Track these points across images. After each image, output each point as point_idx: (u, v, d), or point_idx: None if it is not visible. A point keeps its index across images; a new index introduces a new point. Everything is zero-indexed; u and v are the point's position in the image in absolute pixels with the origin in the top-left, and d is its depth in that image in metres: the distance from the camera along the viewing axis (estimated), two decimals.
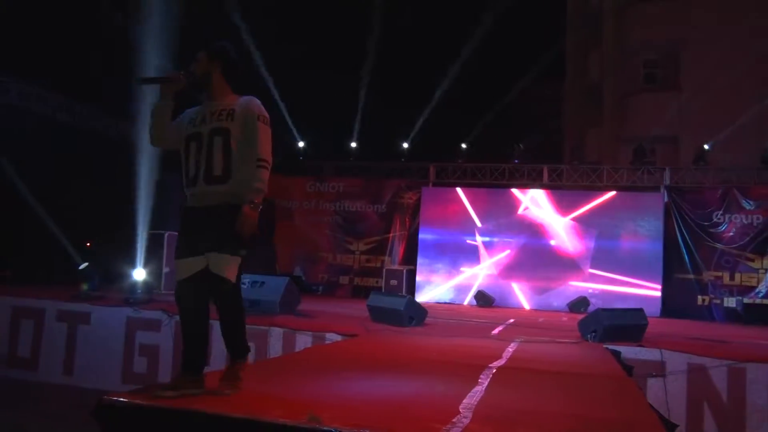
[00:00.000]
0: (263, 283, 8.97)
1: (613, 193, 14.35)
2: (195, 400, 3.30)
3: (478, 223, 14.85)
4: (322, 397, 3.73)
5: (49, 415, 7.25)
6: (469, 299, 14.53)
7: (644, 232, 13.99)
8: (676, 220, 13.98)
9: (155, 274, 11.22)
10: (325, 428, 2.99)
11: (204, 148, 3.63)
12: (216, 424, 3.10)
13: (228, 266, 3.60)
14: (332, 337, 7.51)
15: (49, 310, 9.06)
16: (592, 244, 14.23)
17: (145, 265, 10.22)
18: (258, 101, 3.73)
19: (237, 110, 3.66)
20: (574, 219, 14.36)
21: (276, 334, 7.81)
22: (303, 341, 7.65)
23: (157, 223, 12.14)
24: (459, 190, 15.14)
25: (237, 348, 3.78)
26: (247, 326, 7.92)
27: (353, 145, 16.61)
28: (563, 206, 14.49)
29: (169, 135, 3.77)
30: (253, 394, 3.59)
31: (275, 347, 7.74)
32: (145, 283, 9.56)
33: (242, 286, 9.10)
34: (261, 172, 3.60)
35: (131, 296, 9.06)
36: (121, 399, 3.20)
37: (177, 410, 3.17)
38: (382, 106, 17.49)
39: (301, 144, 16.82)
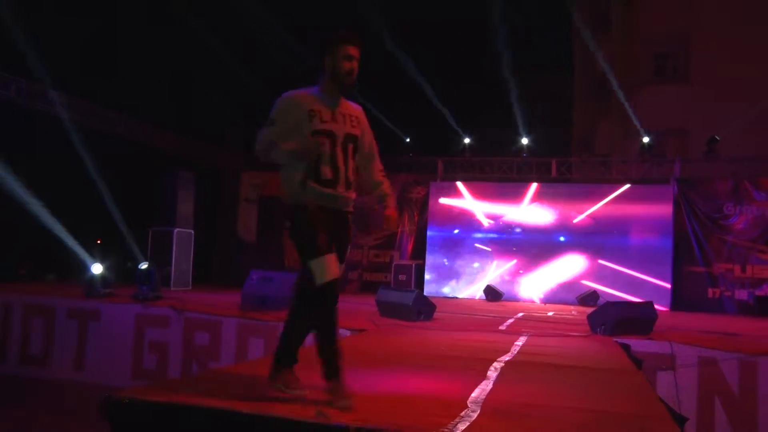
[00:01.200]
0: (272, 279, 9.00)
1: (627, 186, 14.26)
2: (205, 397, 3.30)
3: (486, 217, 14.81)
4: None
5: (60, 411, 7.31)
6: (478, 294, 14.51)
7: (654, 225, 13.92)
8: (687, 213, 13.90)
9: (164, 270, 11.26)
10: (333, 424, 2.99)
11: (340, 150, 3.54)
12: (224, 420, 3.10)
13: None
14: (341, 332, 7.50)
15: (60, 307, 9.13)
16: (601, 236, 14.17)
17: (152, 262, 10.26)
18: None
19: (361, 119, 3.70)
20: (583, 212, 14.30)
21: None
22: (312, 337, 7.66)
23: (163, 219, 12.21)
24: (460, 184, 15.09)
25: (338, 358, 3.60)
26: (256, 321, 7.99)
27: None
28: (573, 200, 14.44)
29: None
30: (261, 390, 3.60)
31: None
32: (153, 279, 9.60)
33: (251, 282, 9.09)
34: (387, 180, 3.82)
35: (140, 293, 9.10)
36: (129, 395, 3.21)
37: (184, 405, 3.17)
38: (390, 99, 17.47)
39: None
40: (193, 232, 12.57)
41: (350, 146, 3.58)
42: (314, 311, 3.58)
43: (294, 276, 9.26)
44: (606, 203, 14.19)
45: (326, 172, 3.48)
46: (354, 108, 3.69)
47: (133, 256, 11.67)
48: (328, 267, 3.44)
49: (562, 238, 14.34)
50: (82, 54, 11.74)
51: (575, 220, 14.32)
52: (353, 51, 3.53)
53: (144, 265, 9.74)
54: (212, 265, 15.96)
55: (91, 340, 8.86)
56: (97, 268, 9.58)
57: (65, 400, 7.94)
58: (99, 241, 13.49)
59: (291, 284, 8.83)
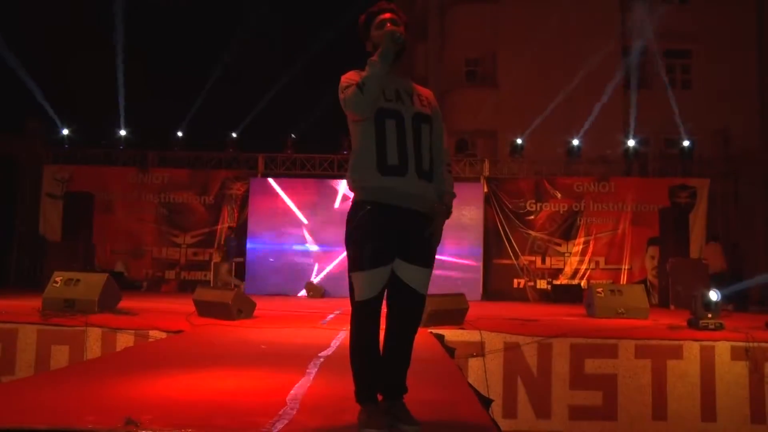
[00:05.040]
0: (78, 280, 8.40)
1: None
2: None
3: (305, 215, 14.89)
4: (142, 398, 3.54)
5: None
6: (299, 291, 14.53)
7: (467, 221, 14.80)
8: (495, 209, 15.00)
9: None
10: None
11: (409, 132, 3.06)
12: None
13: (427, 283, 3.26)
14: (156, 334, 7.18)
15: None
16: None
17: None
18: None
19: (431, 100, 3.21)
20: None
21: (94, 334, 7.32)
22: (124, 340, 7.24)
23: None
24: (272, 181, 15.08)
25: (403, 377, 3.37)
26: (60, 327, 7.36)
27: (180, 134, 15.95)
28: None
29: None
30: (65, 400, 3.32)
31: (93, 348, 7.25)
32: None
33: (55, 284, 8.36)
34: (451, 178, 3.37)
35: None
36: None
37: None
38: (212, 94, 16.98)
39: (123, 132, 15.83)
40: None
41: (424, 128, 3.13)
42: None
43: (104, 276, 8.69)
44: None
45: (385, 156, 3.06)
46: (417, 87, 3.25)
47: None
48: (368, 282, 3.24)
49: None
50: None
51: None
52: (386, 15, 3.16)
53: None
54: (9, 268, 14.53)
55: None
56: None
57: None
58: None
59: (100, 286, 8.29)
